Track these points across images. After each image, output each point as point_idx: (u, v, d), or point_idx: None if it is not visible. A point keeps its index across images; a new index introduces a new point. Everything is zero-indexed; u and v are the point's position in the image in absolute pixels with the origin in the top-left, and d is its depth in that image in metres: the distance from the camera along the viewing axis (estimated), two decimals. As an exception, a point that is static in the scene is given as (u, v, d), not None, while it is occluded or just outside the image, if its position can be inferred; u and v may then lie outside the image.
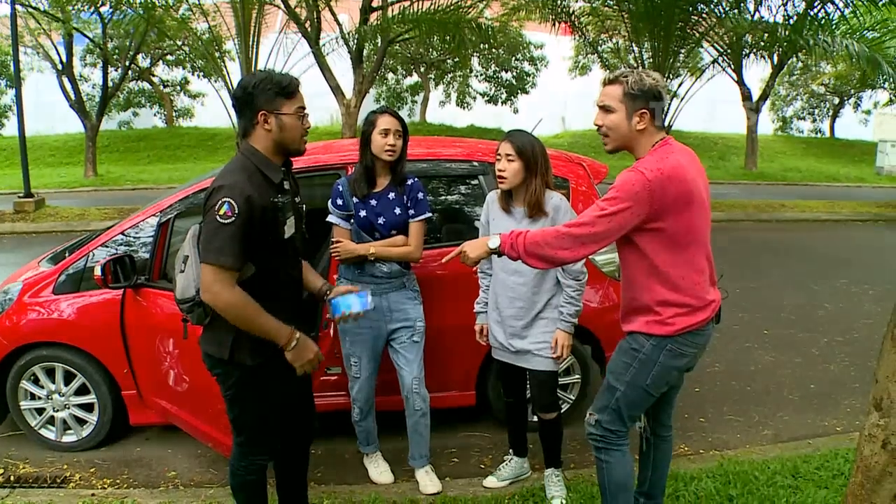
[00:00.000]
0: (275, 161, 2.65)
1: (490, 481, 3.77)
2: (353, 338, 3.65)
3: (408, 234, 3.61)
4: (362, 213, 3.55)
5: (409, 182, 3.62)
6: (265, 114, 2.57)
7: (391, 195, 3.58)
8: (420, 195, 3.62)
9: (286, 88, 2.59)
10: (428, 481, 3.77)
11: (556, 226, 2.83)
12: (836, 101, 31.87)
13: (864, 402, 2.91)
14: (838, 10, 11.78)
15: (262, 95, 2.56)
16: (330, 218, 3.63)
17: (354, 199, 3.57)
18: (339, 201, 3.60)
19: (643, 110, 2.66)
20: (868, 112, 32.46)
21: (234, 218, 2.45)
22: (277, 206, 2.60)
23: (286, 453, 3.07)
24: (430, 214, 3.68)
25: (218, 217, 2.45)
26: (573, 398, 4.47)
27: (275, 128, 2.59)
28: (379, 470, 3.94)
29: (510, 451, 3.85)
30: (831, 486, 3.63)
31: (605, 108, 2.72)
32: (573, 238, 2.61)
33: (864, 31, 12.54)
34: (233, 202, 2.45)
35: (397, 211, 3.58)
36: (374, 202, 3.57)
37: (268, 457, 2.93)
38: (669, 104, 15.45)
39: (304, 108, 2.65)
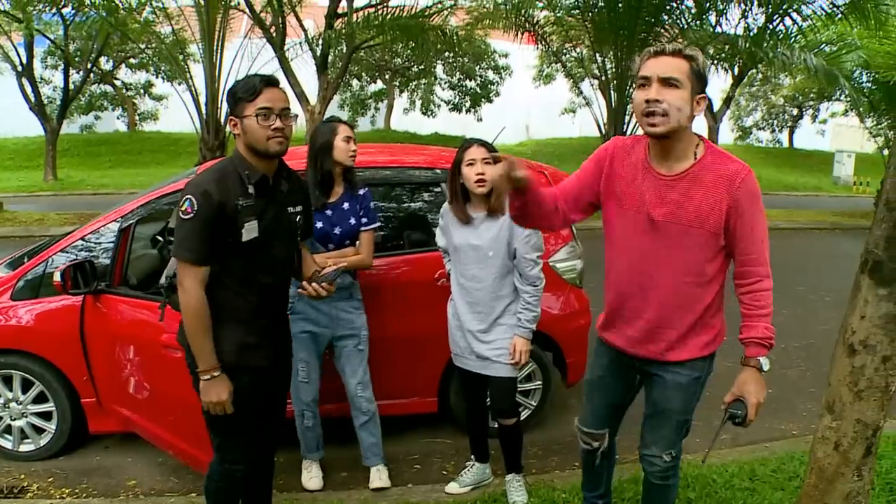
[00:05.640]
0: (255, 164, 2.64)
1: (452, 487, 3.78)
2: (298, 343, 3.51)
3: (355, 245, 3.60)
4: (319, 224, 3.48)
5: (362, 192, 3.60)
6: (233, 119, 2.62)
7: (345, 205, 3.55)
8: (371, 204, 3.62)
9: (247, 92, 2.58)
10: (377, 478, 3.81)
11: (753, 288, 2.64)
12: (795, 112, 32.52)
13: (820, 406, 2.98)
14: (796, 24, 12.05)
15: (231, 101, 2.62)
16: None
17: None
18: None
19: (703, 95, 2.36)
20: (825, 121, 33.18)
21: (192, 214, 2.51)
22: (238, 208, 2.58)
23: (256, 460, 3.06)
24: (379, 224, 3.70)
25: (181, 213, 2.53)
26: (535, 404, 4.50)
27: (241, 132, 2.61)
28: (311, 475, 3.88)
29: (472, 456, 3.86)
30: (787, 488, 3.71)
31: (669, 82, 2.30)
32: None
33: (822, 46, 12.87)
34: (193, 199, 2.51)
35: (352, 221, 3.54)
36: (329, 212, 3.54)
37: (243, 466, 2.90)
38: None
39: (268, 108, 2.57)
